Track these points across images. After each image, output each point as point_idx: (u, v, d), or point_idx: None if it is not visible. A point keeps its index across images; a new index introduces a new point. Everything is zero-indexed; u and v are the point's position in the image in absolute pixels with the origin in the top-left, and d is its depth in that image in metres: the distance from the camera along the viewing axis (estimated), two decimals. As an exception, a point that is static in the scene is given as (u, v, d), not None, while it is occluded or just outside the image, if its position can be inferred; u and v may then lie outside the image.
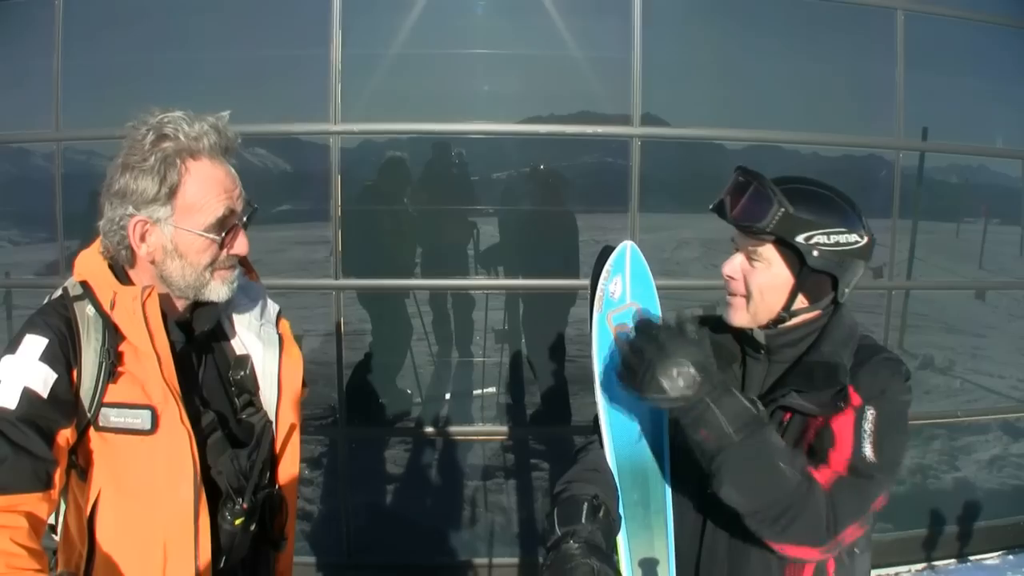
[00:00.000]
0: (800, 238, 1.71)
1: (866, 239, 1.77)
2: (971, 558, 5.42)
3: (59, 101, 4.69)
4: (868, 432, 1.68)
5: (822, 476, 1.65)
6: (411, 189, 5.04)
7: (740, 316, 1.83)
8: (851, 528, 1.67)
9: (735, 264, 1.82)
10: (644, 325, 1.69)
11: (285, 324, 2.05)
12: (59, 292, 1.75)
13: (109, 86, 4.77)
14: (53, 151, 4.79)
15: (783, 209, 1.70)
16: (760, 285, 1.78)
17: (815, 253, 1.72)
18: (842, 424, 1.69)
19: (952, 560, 5.39)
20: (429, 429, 4.97)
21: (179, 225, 1.70)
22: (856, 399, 1.71)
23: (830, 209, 1.75)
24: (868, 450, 1.67)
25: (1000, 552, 5.47)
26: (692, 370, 1.60)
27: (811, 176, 1.83)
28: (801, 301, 1.79)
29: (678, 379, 1.60)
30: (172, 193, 1.68)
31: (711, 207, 1.84)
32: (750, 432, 1.61)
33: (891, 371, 1.77)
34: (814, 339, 1.82)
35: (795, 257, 1.74)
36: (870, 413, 1.69)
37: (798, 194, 1.73)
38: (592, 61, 4.78)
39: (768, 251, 1.76)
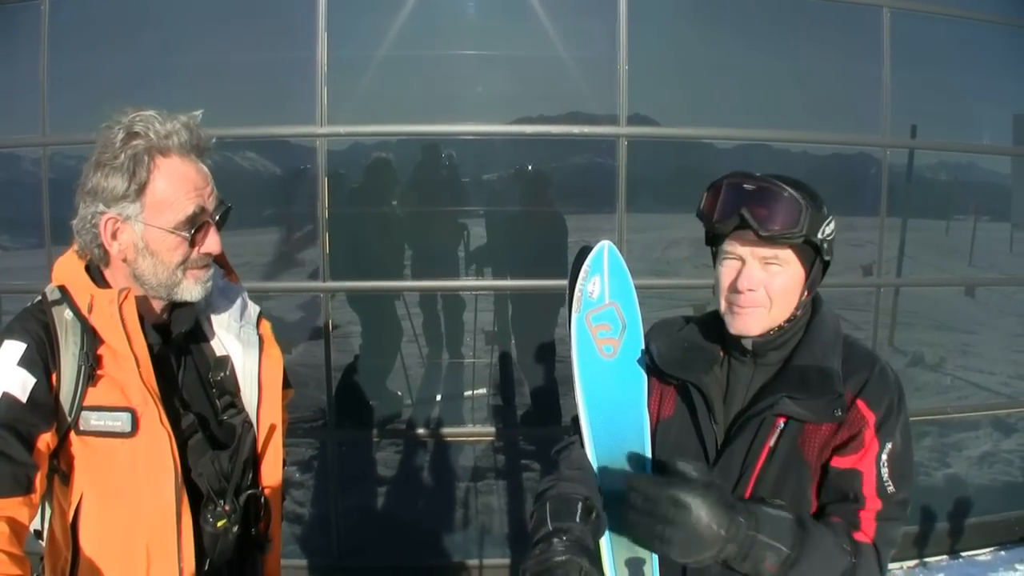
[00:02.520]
0: (820, 234, 1.71)
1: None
2: (963, 554, 5.43)
3: (46, 106, 4.68)
4: (888, 465, 1.69)
5: (866, 532, 1.67)
6: (400, 191, 5.03)
7: (760, 324, 1.77)
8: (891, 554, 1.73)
9: (753, 275, 1.74)
10: (640, 500, 1.58)
11: (266, 325, 2.05)
12: (38, 298, 1.75)
13: (96, 91, 4.74)
14: (40, 156, 4.79)
15: (809, 208, 1.68)
16: (783, 288, 1.74)
17: (826, 245, 1.73)
18: (868, 465, 1.69)
19: (944, 556, 5.40)
20: (419, 431, 4.97)
21: (149, 222, 1.70)
22: (870, 416, 1.70)
23: (817, 199, 1.73)
24: (892, 487, 1.69)
25: (992, 548, 5.48)
26: (715, 527, 1.51)
27: (801, 174, 1.81)
28: (804, 295, 1.78)
29: (710, 537, 1.52)
30: (141, 190, 1.68)
31: (717, 224, 1.75)
32: (801, 542, 1.57)
33: (897, 386, 1.77)
34: (798, 339, 1.81)
35: (808, 252, 1.74)
36: (889, 445, 1.70)
37: (788, 183, 1.71)
38: (579, 61, 4.78)
39: (787, 252, 1.73)
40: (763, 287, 1.73)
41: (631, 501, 1.59)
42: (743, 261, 1.75)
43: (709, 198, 1.78)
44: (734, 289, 1.76)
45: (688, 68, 5.09)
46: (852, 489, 1.69)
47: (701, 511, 1.51)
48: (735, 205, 1.71)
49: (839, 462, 1.71)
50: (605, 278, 1.94)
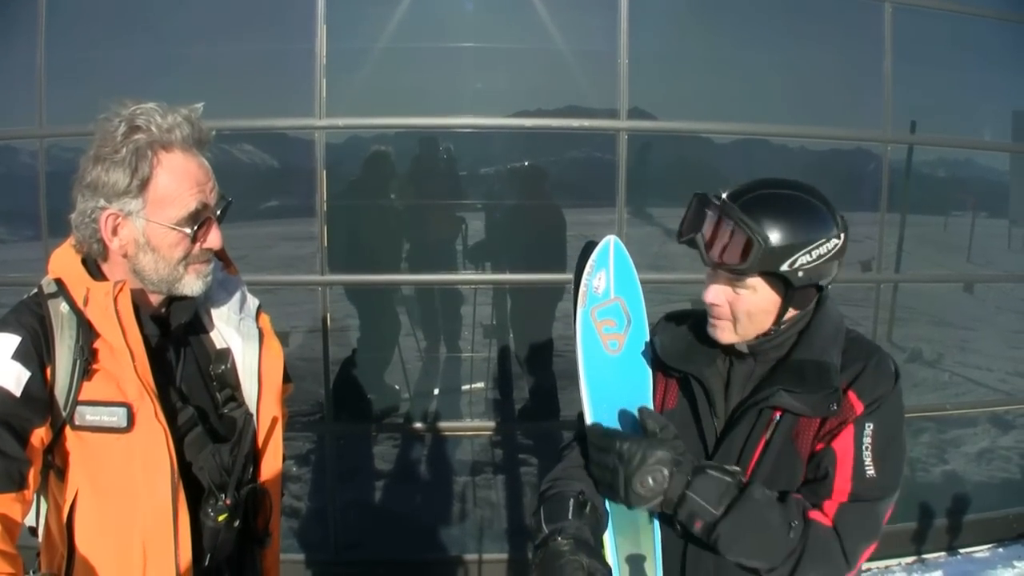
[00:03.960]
0: (784, 267, 1.67)
1: (843, 236, 1.72)
2: (961, 551, 5.43)
3: (43, 97, 4.64)
4: (868, 448, 1.68)
5: (828, 509, 1.67)
6: (398, 184, 5.01)
7: (727, 336, 1.79)
8: (868, 550, 1.72)
9: (718, 292, 1.76)
10: (603, 441, 1.74)
11: (265, 318, 2.03)
12: (34, 291, 1.73)
13: (94, 82, 4.71)
14: (37, 148, 4.76)
15: (763, 246, 1.64)
16: (748, 310, 1.74)
17: (800, 274, 1.68)
18: (843, 445, 1.69)
19: (942, 553, 5.40)
20: (417, 425, 4.95)
21: (151, 218, 1.68)
22: (859, 406, 1.70)
23: (804, 222, 1.69)
24: (871, 470, 1.68)
25: (990, 545, 5.47)
26: (662, 471, 1.64)
27: (800, 169, 1.79)
28: (789, 313, 1.76)
29: (650, 484, 1.64)
30: (143, 186, 1.66)
31: (682, 240, 1.78)
32: (731, 502, 1.62)
33: (892, 378, 1.76)
34: (798, 335, 1.80)
35: (780, 279, 1.70)
36: (869, 428, 1.69)
37: (767, 211, 1.67)
38: (579, 55, 4.76)
39: (752, 279, 1.72)
40: (728, 304, 1.75)
41: (589, 451, 1.78)
42: (714, 274, 1.77)
43: (687, 211, 1.79)
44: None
45: (689, 62, 5.07)
46: (823, 468, 1.70)
47: (641, 463, 1.64)
48: (694, 227, 1.75)
49: (819, 445, 1.72)
50: (611, 273, 1.94)
